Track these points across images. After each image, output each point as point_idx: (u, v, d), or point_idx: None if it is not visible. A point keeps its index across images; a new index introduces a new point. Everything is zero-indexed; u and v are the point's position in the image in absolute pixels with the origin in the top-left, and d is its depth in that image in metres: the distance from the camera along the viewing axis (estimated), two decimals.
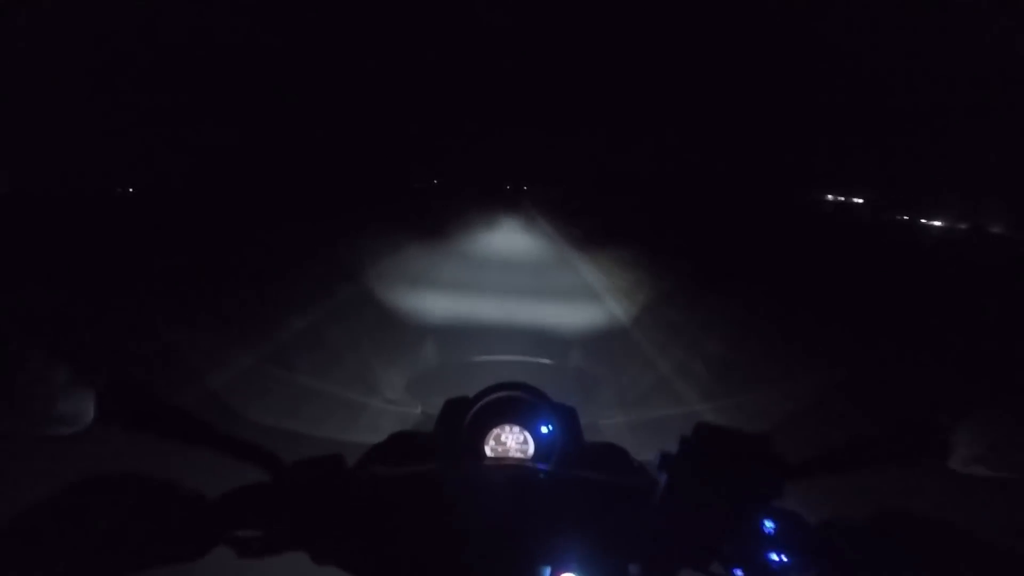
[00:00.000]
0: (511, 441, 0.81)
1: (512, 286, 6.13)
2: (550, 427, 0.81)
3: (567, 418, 0.82)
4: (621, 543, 0.58)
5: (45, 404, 0.43)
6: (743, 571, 0.54)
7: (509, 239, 12.41)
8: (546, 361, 1.47)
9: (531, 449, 0.81)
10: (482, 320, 4.34)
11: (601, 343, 4.20)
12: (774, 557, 0.53)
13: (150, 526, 0.49)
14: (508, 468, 0.73)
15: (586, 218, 16.44)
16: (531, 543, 0.56)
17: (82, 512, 0.46)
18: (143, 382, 0.49)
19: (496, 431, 0.81)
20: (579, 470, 0.71)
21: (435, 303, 4.90)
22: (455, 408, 0.84)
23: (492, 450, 0.81)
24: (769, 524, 0.54)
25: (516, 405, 0.82)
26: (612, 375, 3.29)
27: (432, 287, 5.84)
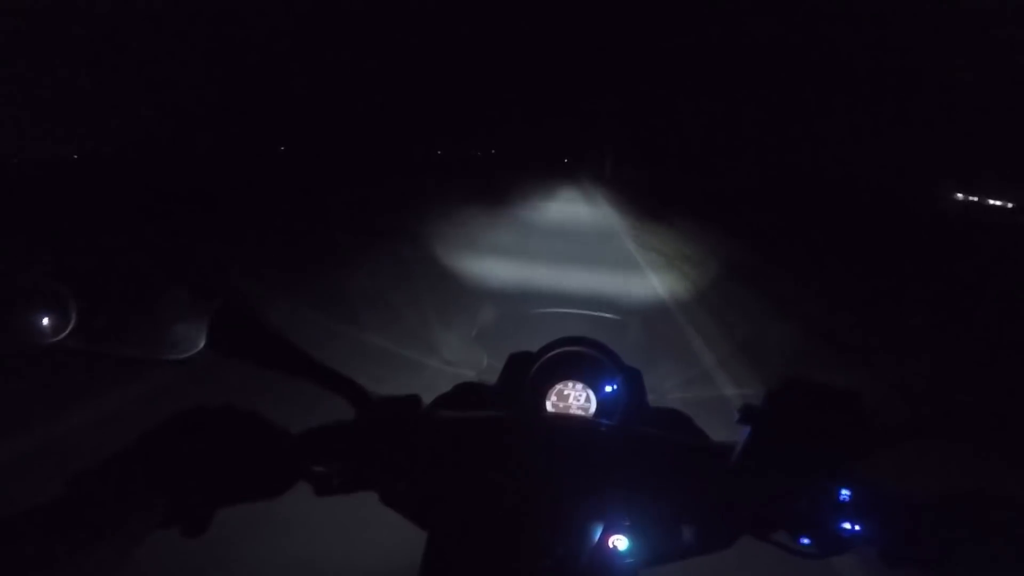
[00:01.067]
0: (573, 397, 0.80)
1: (571, 255, 6.07)
2: (614, 387, 0.79)
3: (632, 379, 0.80)
4: (678, 505, 0.57)
5: (161, 328, 0.46)
6: (812, 539, 0.52)
7: (568, 209, 12.25)
8: (612, 316, 1.42)
9: (593, 407, 0.80)
10: (540, 287, 4.34)
11: (662, 316, 4.10)
12: (846, 526, 0.51)
13: (238, 459, 0.51)
14: (569, 420, 0.72)
15: (656, 194, 16.00)
16: (585, 500, 0.56)
17: (176, 443, 0.49)
18: (250, 312, 0.51)
19: (559, 386, 0.80)
20: (641, 428, 0.70)
21: (494, 268, 4.93)
22: (518, 362, 0.83)
23: (553, 405, 0.80)
24: (845, 492, 0.51)
25: (580, 361, 0.81)
26: (674, 349, 3.21)
27: (491, 253, 5.88)
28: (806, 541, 0.52)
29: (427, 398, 0.78)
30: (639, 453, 0.61)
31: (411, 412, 0.61)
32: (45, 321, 0.42)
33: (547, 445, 0.61)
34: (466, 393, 0.79)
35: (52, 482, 0.41)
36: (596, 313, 1.35)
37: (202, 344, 0.47)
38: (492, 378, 0.85)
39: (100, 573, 0.38)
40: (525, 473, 0.58)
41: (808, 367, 3.28)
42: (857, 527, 0.51)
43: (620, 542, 0.55)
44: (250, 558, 1.57)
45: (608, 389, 0.79)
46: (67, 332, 0.42)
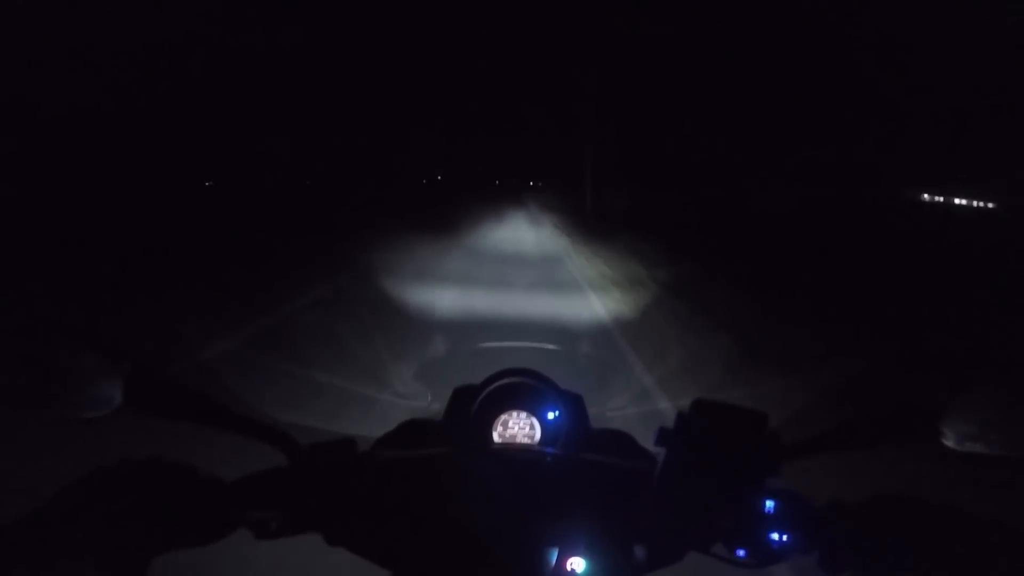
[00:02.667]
0: (518, 427, 0.83)
1: (518, 280, 6.14)
2: (556, 413, 0.82)
3: (573, 404, 0.83)
4: (627, 525, 0.59)
5: (77, 388, 0.45)
6: (746, 551, 0.55)
7: (514, 234, 12.37)
8: (552, 347, 1.47)
9: (538, 435, 0.82)
10: (490, 313, 4.36)
11: (608, 335, 4.21)
12: (775, 536, 0.54)
13: (171, 508, 0.50)
14: (515, 451, 0.74)
15: (594, 210, 16.27)
16: (538, 526, 0.57)
17: (105, 495, 0.48)
18: (167, 370, 0.51)
19: (504, 417, 0.82)
20: (584, 454, 0.73)
21: (442, 297, 4.92)
22: (463, 395, 0.85)
23: (500, 436, 0.82)
24: (769, 503, 0.55)
25: (523, 391, 0.83)
26: (620, 366, 3.30)
27: (439, 281, 5.87)
28: (741, 553, 0.55)
29: (380, 431, 0.79)
30: (582, 478, 0.63)
31: (346, 456, 0.61)
32: None
33: (494, 477, 0.63)
34: (411, 430, 0.80)
35: None
36: (539, 345, 1.41)
37: (119, 403, 0.47)
38: (437, 411, 0.86)
39: None
40: (475, 506, 0.59)
41: (736, 379, 3.45)
42: (785, 537, 0.54)
43: (578, 564, 0.56)
44: None
45: (551, 416, 0.82)
46: None
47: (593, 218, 15.31)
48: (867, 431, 0.56)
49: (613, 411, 1.26)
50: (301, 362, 3.34)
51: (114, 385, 0.46)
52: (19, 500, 0.44)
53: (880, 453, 0.56)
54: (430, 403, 1.20)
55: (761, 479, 0.56)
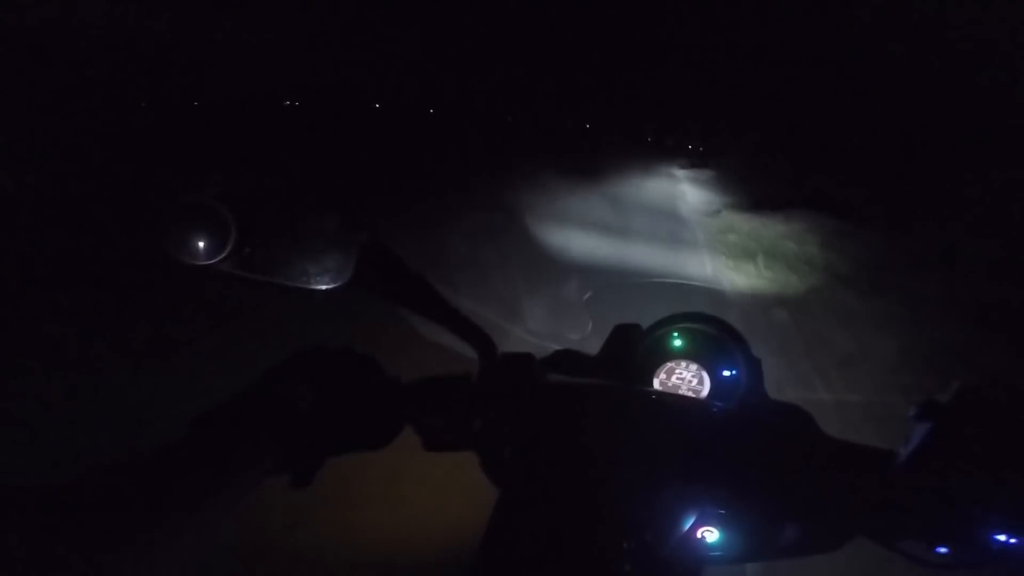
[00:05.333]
0: (685, 378, 0.75)
1: (661, 233, 5.83)
2: (733, 372, 0.73)
3: (753, 366, 0.73)
4: (787, 501, 0.52)
5: (311, 258, 0.47)
6: (952, 548, 0.47)
7: (659, 185, 11.73)
8: (720, 289, 1.33)
9: (706, 391, 0.74)
10: (630, 265, 4.22)
11: (762, 309, 3.84)
12: (1001, 538, 0.45)
13: (350, 405, 0.52)
14: (682, 400, 0.68)
15: (745, 171, 14.75)
16: (683, 485, 0.52)
17: (296, 386, 0.50)
18: (394, 249, 0.52)
19: (670, 364, 0.76)
20: (762, 417, 0.64)
21: (582, 243, 4.85)
22: (624, 334, 0.78)
23: (661, 383, 0.76)
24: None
25: (696, 339, 0.75)
26: (784, 343, 3.00)
27: (578, 226, 5.79)
28: (943, 550, 0.47)
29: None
30: (755, 445, 0.56)
31: (528, 373, 0.60)
32: (202, 243, 0.44)
33: (655, 423, 0.58)
34: (568, 360, 0.77)
35: (170, 420, 0.43)
36: (702, 284, 1.25)
37: (349, 276, 0.48)
38: (594, 345, 0.81)
39: (207, 523, 0.38)
40: (626, 449, 0.55)
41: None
42: (1013, 539, 0.45)
43: (710, 534, 0.52)
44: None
45: (726, 374, 0.73)
46: (223, 255, 0.44)
47: None
48: None
49: (787, 393, 1.12)
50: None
51: (349, 256, 0.48)
52: (226, 375, 0.48)
53: None
54: (587, 337, 1.16)
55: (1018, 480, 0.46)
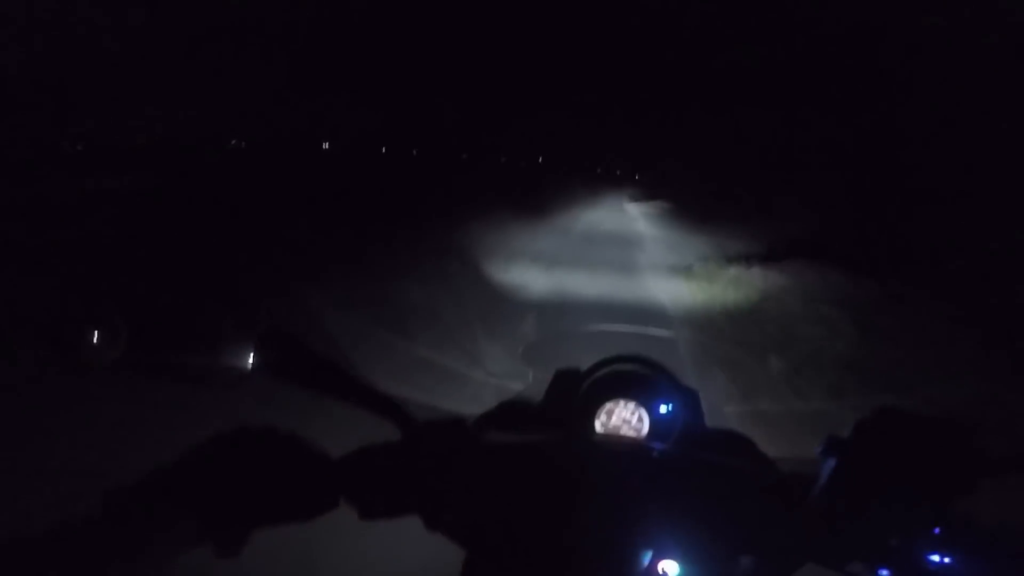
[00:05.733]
0: (624, 418, 0.77)
1: (614, 263, 5.97)
2: (669, 407, 0.75)
3: (688, 399, 0.76)
4: (736, 533, 0.53)
5: (209, 350, 0.47)
6: (891, 570, 0.48)
7: (610, 217, 12.07)
8: (662, 332, 1.39)
9: (645, 428, 0.76)
10: (583, 296, 4.29)
11: (713, 325, 3.95)
12: (935, 558, 0.47)
13: (279, 481, 0.51)
14: (620, 444, 0.69)
15: (693, 199, 15.42)
16: (635, 524, 0.53)
17: (216, 464, 0.49)
18: (295, 334, 0.52)
19: (609, 405, 0.77)
20: (697, 452, 0.66)
21: (536, 279, 4.91)
22: (565, 379, 0.80)
23: (603, 425, 0.78)
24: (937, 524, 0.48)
25: (632, 379, 0.78)
26: (728, 360, 3.08)
27: (532, 263, 5.87)
28: (885, 572, 0.48)
29: (473, 409, 0.77)
30: (691, 478, 0.58)
31: (457, 436, 0.60)
32: (96, 343, 0.43)
33: (596, 469, 0.59)
34: (511, 411, 0.78)
35: (87, 498, 0.42)
36: (645, 330, 1.32)
37: (248, 365, 0.47)
38: (537, 393, 0.83)
39: None
40: (572, 497, 0.56)
41: (891, 387, 3.08)
42: (947, 559, 0.47)
43: (670, 567, 0.53)
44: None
45: (663, 410, 0.76)
46: (116, 355, 0.43)
47: None
48: None
49: (729, 409, 1.16)
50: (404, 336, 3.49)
51: (246, 348, 0.48)
52: (135, 465, 0.47)
53: None
54: (528, 385, 1.17)
55: (950, 499, 0.48)
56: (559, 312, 3.73)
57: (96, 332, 0.43)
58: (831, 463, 0.50)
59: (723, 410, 1.14)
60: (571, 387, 0.79)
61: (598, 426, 0.76)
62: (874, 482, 0.48)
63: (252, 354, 0.48)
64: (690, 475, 0.57)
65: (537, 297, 4.27)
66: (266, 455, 0.52)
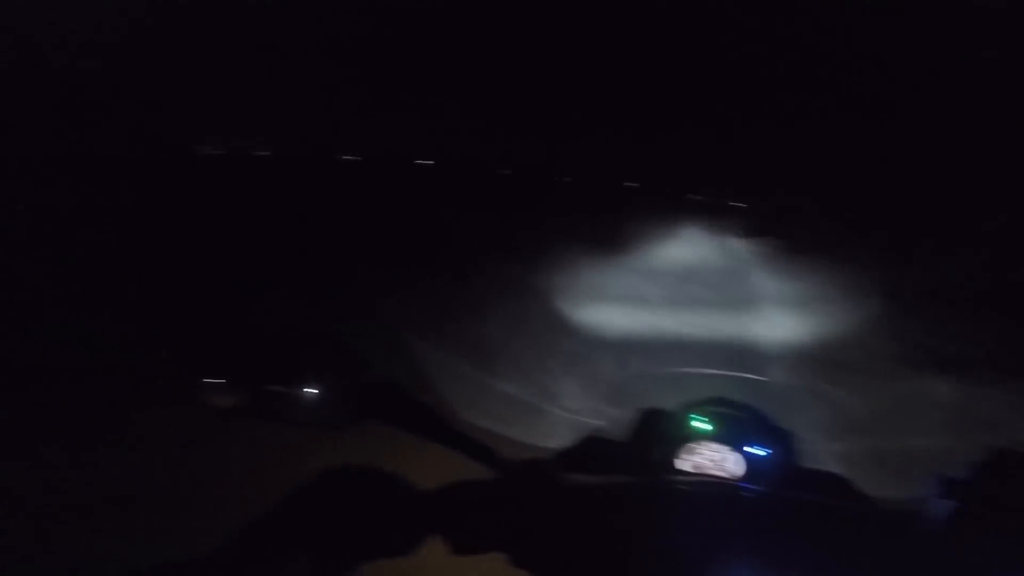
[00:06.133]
0: (713, 459, 0.73)
1: (696, 297, 5.74)
2: (763, 448, 0.71)
3: (783, 439, 0.71)
4: None
5: (318, 397, 0.52)
6: None
7: (701, 250, 11.69)
8: (757, 377, 1.31)
9: (736, 470, 0.72)
10: (669, 334, 4.14)
11: (811, 360, 3.65)
12: None
13: (377, 517, 0.55)
14: (711, 484, 0.66)
15: (808, 233, 14.54)
16: (727, 567, 0.51)
17: (322, 500, 0.53)
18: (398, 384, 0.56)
19: (696, 446, 0.74)
20: (799, 493, 0.62)
21: (613, 315, 4.82)
22: (650, 418, 0.79)
23: (689, 466, 0.74)
24: None
25: (723, 420, 0.74)
26: (829, 396, 2.85)
27: (610, 298, 5.77)
28: None
29: (547, 443, 0.77)
30: (797, 522, 0.54)
31: (542, 476, 0.61)
32: (217, 387, 0.48)
33: (686, 510, 0.57)
34: (592, 447, 0.77)
35: (209, 534, 0.45)
36: (738, 374, 1.25)
37: (353, 412, 0.51)
38: (617, 432, 0.81)
39: None
40: (661, 538, 0.54)
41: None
42: None
43: None
44: None
45: (756, 452, 0.71)
46: (234, 399, 0.48)
47: None
48: None
49: (828, 449, 1.08)
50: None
51: (352, 395, 0.52)
52: (253, 504, 0.50)
53: None
54: (608, 423, 1.15)
55: None
56: (643, 351, 3.63)
57: (216, 377, 0.48)
58: (944, 504, 0.46)
59: (821, 450, 1.05)
60: (656, 427, 0.77)
61: (684, 467, 0.73)
62: (994, 524, 0.45)
63: (359, 400, 0.52)
64: (788, 516, 0.54)
65: (619, 335, 4.18)
66: (365, 493, 0.55)
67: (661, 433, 0.75)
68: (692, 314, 5.09)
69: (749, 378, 1.27)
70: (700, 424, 0.74)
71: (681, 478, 0.71)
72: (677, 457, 0.75)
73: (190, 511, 2.27)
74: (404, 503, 0.58)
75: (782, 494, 0.65)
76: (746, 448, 0.72)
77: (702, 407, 0.77)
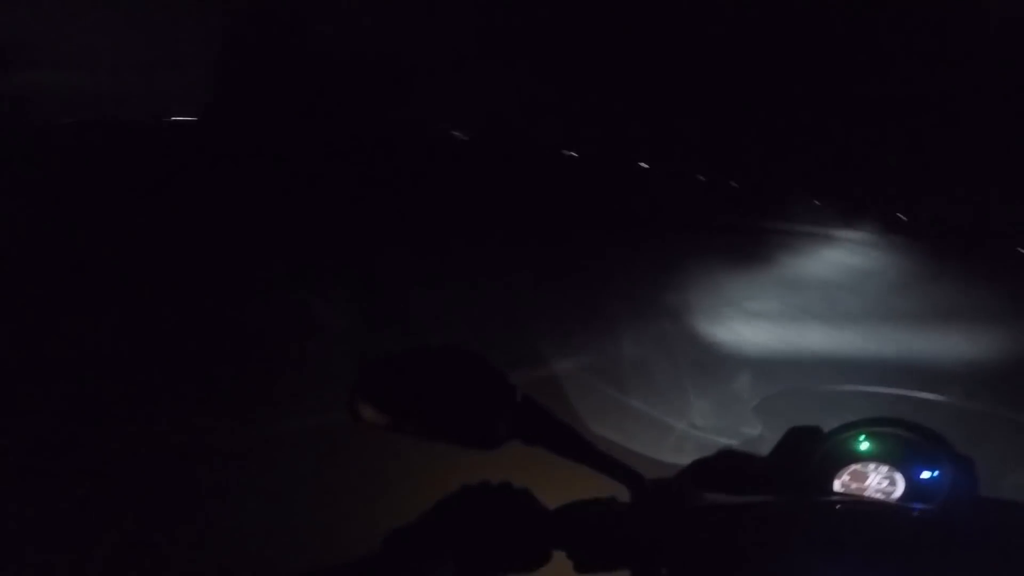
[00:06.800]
0: (874, 482, 0.69)
1: (851, 312, 5.10)
2: (934, 472, 0.65)
3: (959, 465, 0.64)
4: None
5: (469, 420, 0.57)
6: None
7: (849, 260, 10.36)
8: (927, 396, 1.15)
9: (898, 493, 0.67)
10: (812, 351, 3.75)
11: (995, 379, 3.08)
12: None
13: (510, 532, 0.58)
14: (873, 505, 0.62)
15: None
16: None
17: (464, 512, 0.58)
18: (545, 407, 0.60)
19: (854, 467, 0.70)
20: (978, 519, 0.56)
21: (755, 333, 4.45)
22: (800, 437, 0.74)
23: (844, 486, 0.70)
24: None
25: (889, 440, 0.69)
26: (1006, 423, 2.38)
27: (752, 315, 5.34)
28: None
29: (673, 458, 0.76)
30: (964, 551, 0.49)
31: (678, 493, 0.60)
32: (371, 408, 0.56)
33: (846, 531, 0.54)
34: (731, 462, 0.74)
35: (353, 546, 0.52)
36: (904, 392, 1.10)
37: (504, 434, 0.56)
38: (753, 450, 0.78)
39: None
40: (815, 562, 0.52)
41: None
42: None
43: None
44: None
45: (925, 475, 0.66)
46: (387, 421, 0.55)
47: None
48: None
49: (1010, 480, 0.93)
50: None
51: (505, 416, 0.57)
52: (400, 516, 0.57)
53: None
54: (743, 442, 1.10)
55: None
56: (779, 371, 3.36)
57: (369, 398, 0.56)
58: None
59: (1002, 480, 0.90)
60: (809, 446, 0.73)
61: (838, 486, 0.69)
62: None
63: (510, 422, 0.57)
64: (957, 545, 0.49)
65: (756, 353, 3.89)
66: (499, 509, 0.59)
67: (810, 452, 0.72)
68: (844, 329, 4.54)
69: (917, 396, 1.12)
70: (858, 444, 0.69)
71: (833, 498, 0.69)
72: (835, 479, 0.71)
73: (336, 522, 2.46)
74: (534, 518, 0.58)
75: (957, 518, 0.59)
76: (914, 470, 0.67)
77: (865, 426, 0.72)
